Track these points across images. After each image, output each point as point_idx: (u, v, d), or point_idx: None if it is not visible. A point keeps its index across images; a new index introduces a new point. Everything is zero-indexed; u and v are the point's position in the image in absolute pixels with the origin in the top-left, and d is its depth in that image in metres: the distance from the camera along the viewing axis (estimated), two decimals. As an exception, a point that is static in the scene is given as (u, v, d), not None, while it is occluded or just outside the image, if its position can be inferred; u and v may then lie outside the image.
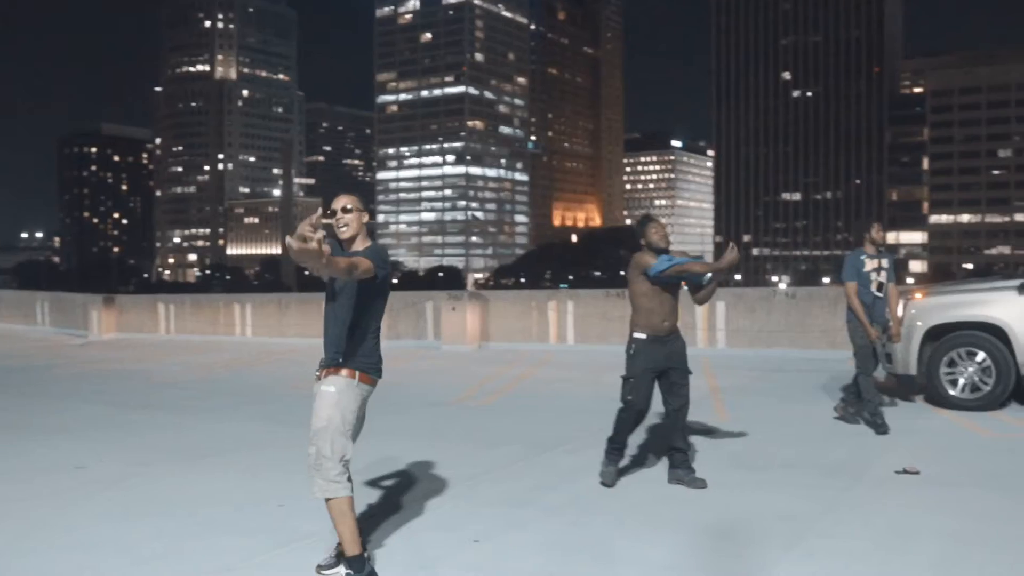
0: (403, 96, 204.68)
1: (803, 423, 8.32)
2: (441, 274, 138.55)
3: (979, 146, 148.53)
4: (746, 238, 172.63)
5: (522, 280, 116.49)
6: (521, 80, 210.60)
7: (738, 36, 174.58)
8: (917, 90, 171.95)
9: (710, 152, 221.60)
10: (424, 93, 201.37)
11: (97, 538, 5.11)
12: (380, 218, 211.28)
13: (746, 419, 8.59)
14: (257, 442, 7.86)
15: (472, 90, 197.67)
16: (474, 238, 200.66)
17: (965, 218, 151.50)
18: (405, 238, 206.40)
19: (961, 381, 8.68)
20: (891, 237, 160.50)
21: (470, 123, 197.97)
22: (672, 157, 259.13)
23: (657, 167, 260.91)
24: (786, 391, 10.37)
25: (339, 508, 4.16)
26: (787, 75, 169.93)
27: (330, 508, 4.19)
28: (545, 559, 4.58)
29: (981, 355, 8.59)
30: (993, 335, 8.57)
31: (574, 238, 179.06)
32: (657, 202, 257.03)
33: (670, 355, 6.03)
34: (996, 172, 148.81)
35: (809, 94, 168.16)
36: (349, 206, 4.29)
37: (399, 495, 5.94)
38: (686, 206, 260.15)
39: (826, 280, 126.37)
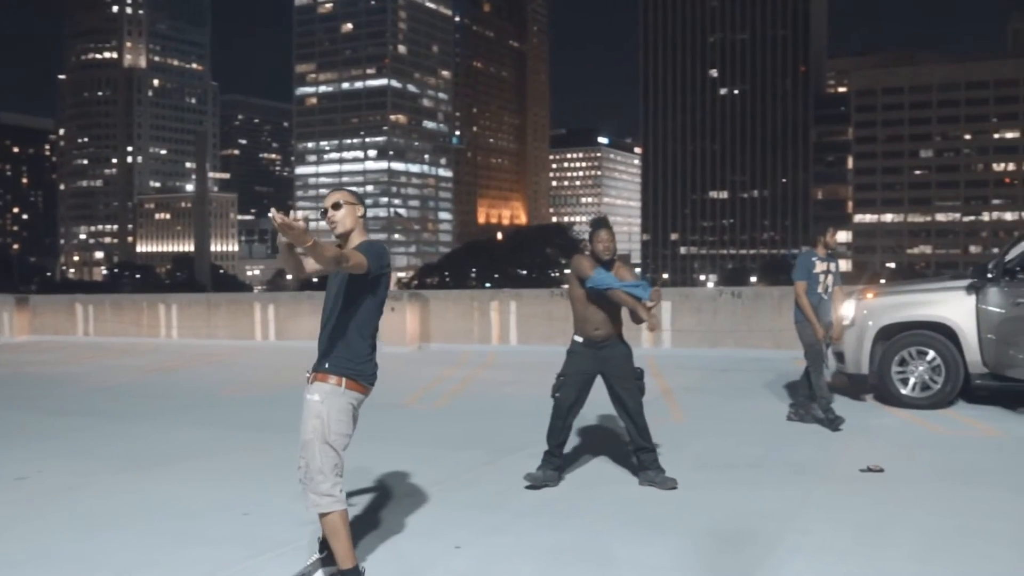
0: (323, 88, 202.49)
1: (760, 422, 8.54)
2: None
3: (902, 146, 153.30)
4: (673, 236, 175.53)
5: (447, 279, 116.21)
6: (445, 73, 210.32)
7: (666, 32, 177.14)
8: (841, 90, 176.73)
9: (637, 149, 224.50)
10: (345, 85, 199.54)
11: (56, 552, 4.99)
12: (299, 215, 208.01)
13: (702, 419, 8.79)
14: (206, 449, 7.75)
15: (395, 83, 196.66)
16: (397, 236, 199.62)
17: (888, 217, 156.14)
18: (325, 236, 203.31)
19: (912, 380, 9.00)
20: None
21: (392, 117, 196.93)
22: (599, 154, 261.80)
23: (584, 164, 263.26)
24: (737, 391, 10.62)
25: (331, 523, 4.09)
26: (714, 72, 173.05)
27: (323, 523, 4.13)
28: (536, 565, 4.64)
29: (931, 354, 8.92)
30: (943, 335, 8.91)
31: (499, 236, 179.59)
32: (583, 200, 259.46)
33: (606, 361, 6.10)
34: (918, 172, 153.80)
35: (736, 92, 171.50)
36: (340, 201, 4.18)
37: (371, 501, 5.93)
38: (613, 204, 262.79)
39: (753, 279, 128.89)
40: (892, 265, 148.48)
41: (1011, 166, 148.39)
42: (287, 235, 3.67)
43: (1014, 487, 6.06)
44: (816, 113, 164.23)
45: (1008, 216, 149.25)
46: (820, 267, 8.34)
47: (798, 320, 8.33)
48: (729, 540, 5.00)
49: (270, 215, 3.67)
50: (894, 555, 4.68)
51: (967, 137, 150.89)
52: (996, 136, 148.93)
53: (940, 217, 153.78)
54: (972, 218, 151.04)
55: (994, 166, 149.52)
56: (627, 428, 6.33)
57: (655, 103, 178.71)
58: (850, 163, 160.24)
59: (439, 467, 6.86)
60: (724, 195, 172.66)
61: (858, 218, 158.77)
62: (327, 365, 4.11)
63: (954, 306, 8.89)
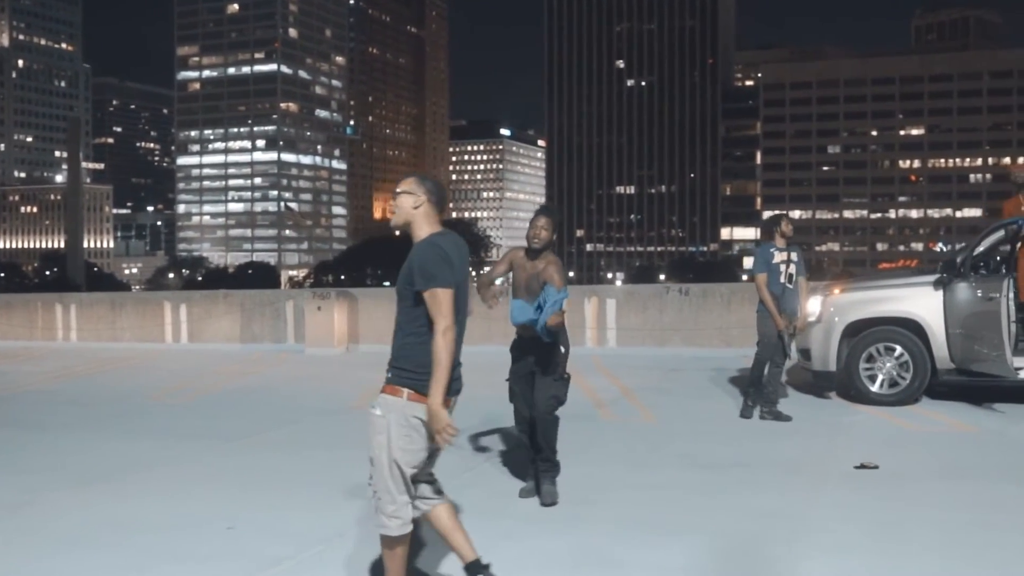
0: (207, 73, 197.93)
1: (732, 421, 8.72)
2: (251, 271, 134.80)
3: (809, 142, 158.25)
4: (579, 232, 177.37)
5: (342, 278, 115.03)
6: (339, 59, 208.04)
7: (572, 21, 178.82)
8: (749, 83, 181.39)
9: (541, 142, 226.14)
10: (231, 70, 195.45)
11: (29, 572, 4.78)
12: (181, 208, 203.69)
13: (673, 420, 8.93)
14: (153, 461, 7.50)
15: (285, 68, 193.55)
16: (288, 232, 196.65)
17: (796, 214, 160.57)
18: (210, 231, 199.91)
19: (880, 376, 9.31)
20: (724, 233, 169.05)
21: (283, 105, 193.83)
22: (501, 146, 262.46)
23: (485, 156, 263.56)
24: (698, 390, 10.80)
25: (386, 545, 3.98)
26: (621, 63, 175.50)
27: (381, 543, 4.03)
28: (551, 571, 4.65)
29: (899, 350, 9.24)
30: (910, 330, 9.24)
31: (398, 232, 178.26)
32: (485, 194, 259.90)
33: (533, 353, 5.96)
34: (826, 168, 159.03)
35: (643, 83, 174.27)
36: (399, 190, 4.02)
37: (339, 510, 5.83)
38: (516, 198, 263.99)
39: (662, 277, 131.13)
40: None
41: (916, 163, 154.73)
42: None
43: (1013, 480, 6.34)
44: (724, 107, 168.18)
45: (914, 214, 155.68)
46: (779, 257, 8.72)
47: (760, 311, 8.75)
48: (746, 541, 5.11)
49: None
50: (913, 550, 4.88)
51: (874, 133, 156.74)
52: (902, 133, 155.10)
53: (848, 214, 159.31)
54: (879, 215, 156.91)
55: (900, 163, 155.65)
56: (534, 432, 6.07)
57: (560, 94, 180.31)
58: (758, 158, 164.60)
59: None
60: (631, 190, 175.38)
61: (766, 214, 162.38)
62: (389, 376, 3.92)
63: (922, 301, 9.23)
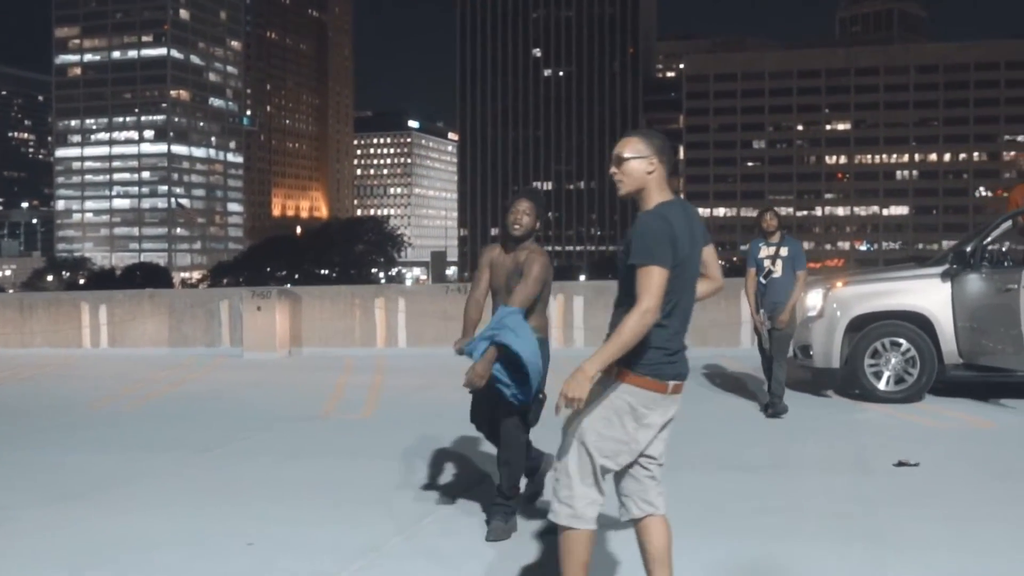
0: (89, 57, 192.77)
1: (741, 421, 8.81)
2: (139, 273, 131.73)
3: (734, 136, 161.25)
4: (494, 231, 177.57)
5: (241, 281, 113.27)
6: (235, 44, 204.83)
7: (485, 6, 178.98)
8: (671, 74, 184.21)
9: (452, 135, 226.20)
10: (116, 55, 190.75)
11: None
12: (60, 205, 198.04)
13: (676, 421, 8.92)
14: (132, 474, 7.20)
15: (176, 53, 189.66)
16: (179, 230, 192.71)
17: (721, 211, 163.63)
18: (92, 230, 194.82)
19: (886, 373, 9.46)
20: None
21: (173, 93, 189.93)
22: (409, 139, 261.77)
23: (392, 150, 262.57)
24: (689, 390, 10.81)
25: (564, 542, 3.72)
26: (538, 52, 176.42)
27: (559, 537, 3.76)
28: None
29: (905, 345, 9.41)
30: (917, 324, 9.42)
31: (299, 231, 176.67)
32: (392, 190, 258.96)
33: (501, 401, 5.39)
34: (751, 164, 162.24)
35: (561, 73, 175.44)
36: (626, 154, 3.69)
37: (363, 523, 5.68)
38: (425, 195, 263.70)
39: (582, 278, 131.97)
40: (722, 263, 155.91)
41: (843, 159, 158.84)
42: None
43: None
44: (646, 99, 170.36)
45: (840, 211, 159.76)
46: (765, 252, 9.15)
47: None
48: (825, 537, 5.12)
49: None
50: (990, 543, 5.03)
51: (799, 128, 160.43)
52: (828, 128, 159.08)
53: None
54: (805, 213, 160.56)
55: (826, 159, 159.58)
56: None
57: (472, 84, 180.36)
58: (681, 153, 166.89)
59: (421, 485, 6.69)
60: (548, 186, 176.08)
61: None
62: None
63: (929, 294, 9.42)
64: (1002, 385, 9.59)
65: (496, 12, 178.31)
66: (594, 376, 3.51)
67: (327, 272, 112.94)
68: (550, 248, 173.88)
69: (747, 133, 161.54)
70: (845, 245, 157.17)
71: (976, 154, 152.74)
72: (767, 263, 9.02)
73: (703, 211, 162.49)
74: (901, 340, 9.43)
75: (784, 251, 9.05)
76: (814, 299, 9.85)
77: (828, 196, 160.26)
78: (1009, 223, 9.37)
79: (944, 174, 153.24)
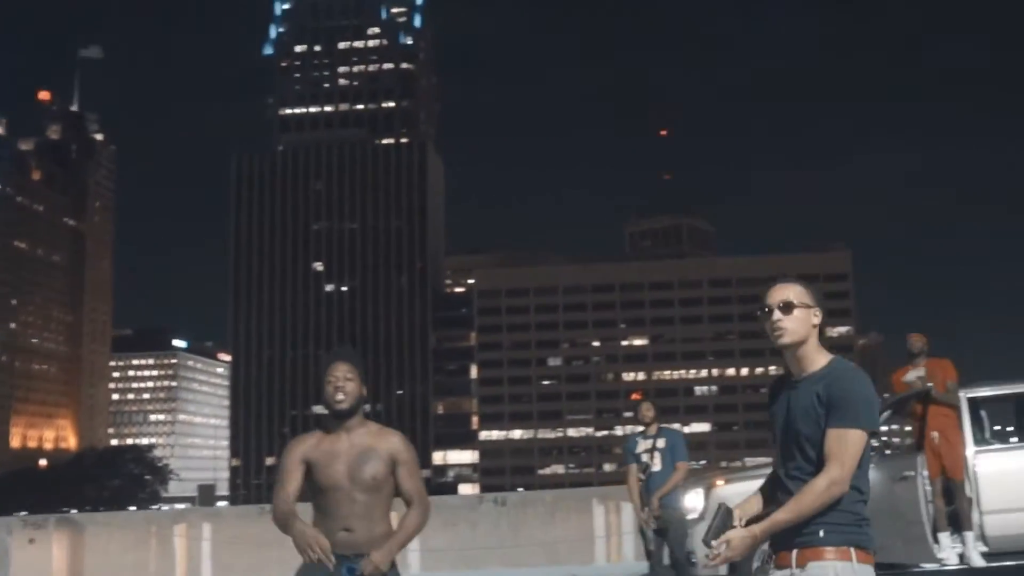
0: None
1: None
2: None
3: (528, 353, 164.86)
4: (270, 461, 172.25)
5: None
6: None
7: (262, 216, 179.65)
8: (461, 290, 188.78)
9: (223, 355, 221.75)
10: None
11: None
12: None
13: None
14: None
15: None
16: None
17: (517, 434, 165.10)
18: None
19: (776, 578, 9.35)
20: (437, 457, 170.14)
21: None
22: (174, 360, 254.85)
23: (155, 372, 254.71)
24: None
25: None
26: (319, 266, 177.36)
27: None
28: None
29: (795, 546, 9.36)
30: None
31: (43, 463, 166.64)
32: (153, 417, 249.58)
33: None
34: (546, 383, 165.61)
35: (344, 288, 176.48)
36: (792, 300, 3.67)
37: None
38: (191, 422, 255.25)
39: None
40: (521, 489, 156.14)
41: (641, 375, 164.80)
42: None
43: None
44: (435, 316, 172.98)
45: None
46: (643, 446, 9.27)
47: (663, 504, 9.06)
48: None
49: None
50: None
51: (596, 344, 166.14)
52: (624, 343, 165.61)
53: (572, 432, 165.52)
54: (605, 433, 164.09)
55: (624, 375, 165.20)
56: None
57: (247, 300, 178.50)
58: (474, 372, 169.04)
59: None
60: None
61: (484, 435, 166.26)
62: (822, 534, 3.49)
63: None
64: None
65: (274, 222, 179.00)
66: (761, 541, 3.39)
67: (78, 512, 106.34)
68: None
69: (542, 350, 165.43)
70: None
71: (772, 368, 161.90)
72: (645, 457, 9.10)
73: (498, 434, 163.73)
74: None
75: (661, 443, 9.14)
76: (693, 500, 9.75)
77: (628, 415, 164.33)
78: (888, 411, 9.66)
79: (743, 388, 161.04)
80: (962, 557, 8.97)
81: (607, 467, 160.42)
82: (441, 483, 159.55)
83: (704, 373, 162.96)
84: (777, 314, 3.68)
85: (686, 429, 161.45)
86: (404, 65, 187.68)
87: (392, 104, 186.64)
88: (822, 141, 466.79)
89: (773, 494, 3.69)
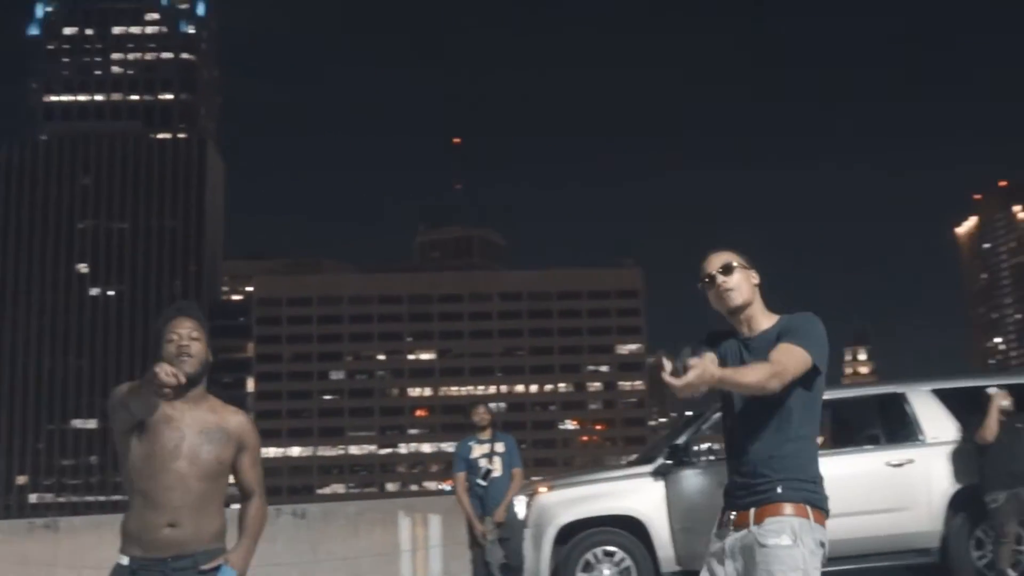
0: None
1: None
2: None
3: (310, 366, 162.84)
4: (21, 480, 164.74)
5: None
6: None
7: (21, 210, 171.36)
8: (239, 297, 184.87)
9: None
10: None
11: None
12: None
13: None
14: None
15: None
16: None
17: (295, 451, 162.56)
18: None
19: (600, 587, 9.40)
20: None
21: None
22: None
23: None
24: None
25: None
26: (84, 267, 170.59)
27: None
28: None
29: (619, 554, 9.42)
30: (630, 530, 9.48)
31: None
32: None
33: None
34: (328, 397, 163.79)
35: (112, 293, 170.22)
36: (732, 263, 3.82)
37: None
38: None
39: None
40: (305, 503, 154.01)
41: (427, 391, 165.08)
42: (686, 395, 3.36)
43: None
44: (211, 323, 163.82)
45: (426, 448, 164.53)
46: (479, 451, 9.06)
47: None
48: None
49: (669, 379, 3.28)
50: None
51: (381, 357, 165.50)
52: (411, 357, 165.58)
53: (354, 449, 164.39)
54: (389, 450, 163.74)
55: (410, 391, 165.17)
56: None
57: (1, 303, 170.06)
58: (250, 385, 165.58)
59: None
60: (92, 425, 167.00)
61: (261, 452, 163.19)
62: (780, 490, 3.62)
63: (641, 495, 9.55)
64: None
65: (35, 219, 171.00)
66: (715, 384, 3.37)
67: None
68: (92, 499, 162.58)
69: (324, 363, 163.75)
70: (432, 485, 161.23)
71: (562, 385, 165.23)
72: (483, 462, 8.93)
73: (277, 451, 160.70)
74: (614, 549, 9.44)
75: (500, 447, 9.05)
76: (517, 507, 9.69)
77: (412, 432, 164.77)
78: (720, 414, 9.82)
79: (532, 406, 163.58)
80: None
81: (390, 486, 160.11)
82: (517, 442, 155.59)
83: (492, 389, 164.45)
84: (721, 278, 3.83)
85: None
86: (184, 55, 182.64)
87: (170, 96, 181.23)
88: (616, 161, 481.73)
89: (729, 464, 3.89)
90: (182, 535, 3.91)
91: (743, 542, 3.68)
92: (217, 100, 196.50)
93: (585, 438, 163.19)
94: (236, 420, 4.17)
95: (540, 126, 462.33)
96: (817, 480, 3.72)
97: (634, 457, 11.11)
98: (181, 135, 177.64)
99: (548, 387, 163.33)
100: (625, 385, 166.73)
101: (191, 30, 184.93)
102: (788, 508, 3.62)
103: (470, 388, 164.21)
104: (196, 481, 3.94)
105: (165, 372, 3.46)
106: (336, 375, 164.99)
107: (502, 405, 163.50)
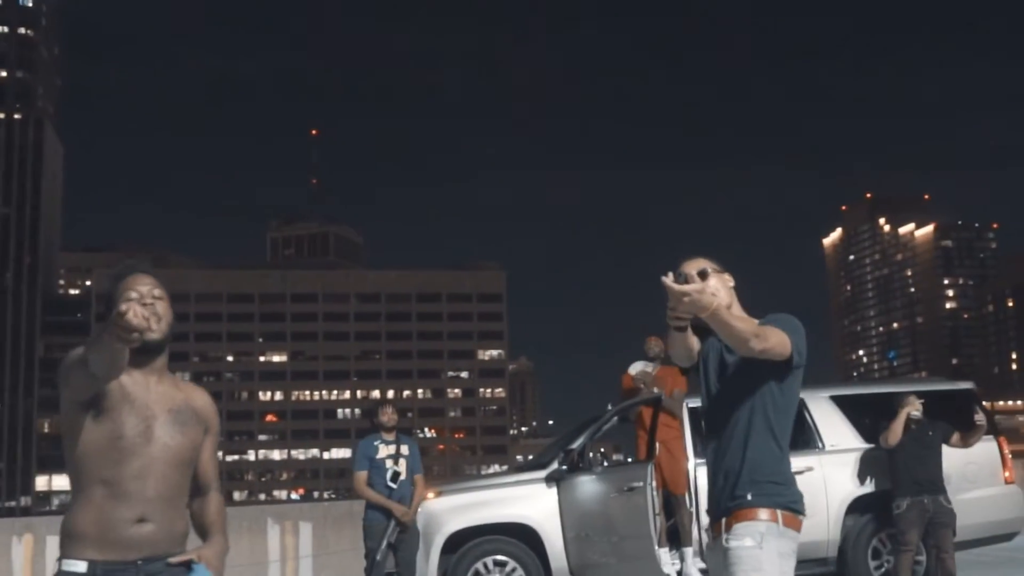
0: None
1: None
2: None
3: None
4: None
5: None
6: None
7: None
8: (76, 292, 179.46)
9: None
10: None
11: None
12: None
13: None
14: None
15: None
16: None
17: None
18: None
19: (490, 597, 9.37)
20: (41, 482, 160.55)
21: None
22: None
23: None
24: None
25: None
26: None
27: None
28: None
29: (511, 564, 9.40)
30: (521, 538, 9.48)
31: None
32: None
33: None
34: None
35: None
36: (706, 269, 3.95)
37: None
38: None
39: None
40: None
41: (279, 395, 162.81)
42: (681, 308, 3.55)
43: None
44: (46, 319, 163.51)
45: (276, 455, 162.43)
46: (385, 451, 8.83)
47: (366, 520, 8.81)
48: None
49: (668, 284, 3.52)
50: None
51: (230, 359, 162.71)
52: (262, 359, 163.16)
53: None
54: (236, 457, 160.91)
55: (260, 395, 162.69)
56: None
57: None
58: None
59: None
60: None
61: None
62: (751, 496, 3.78)
63: (533, 502, 9.56)
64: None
65: None
66: (710, 311, 3.53)
67: None
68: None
69: (168, 364, 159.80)
70: (282, 493, 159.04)
71: (420, 391, 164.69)
72: (390, 463, 8.76)
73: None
74: (505, 558, 9.42)
75: (405, 449, 8.93)
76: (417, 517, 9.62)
77: (262, 438, 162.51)
78: (615, 418, 9.91)
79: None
80: (680, 574, 9.32)
81: (236, 495, 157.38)
82: (46, 511, 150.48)
83: (347, 394, 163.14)
84: (699, 283, 3.87)
85: (326, 455, 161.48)
86: (22, 30, 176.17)
87: (4, 73, 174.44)
88: (479, 160, 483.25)
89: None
90: (153, 532, 3.35)
91: (719, 549, 3.91)
92: (56, 80, 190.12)
93: (443, 447, 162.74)
94: (202, 399, 3.70)
95: (402, 122, 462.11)
96: (789, 482, 3.89)
97: (525, 461, 11.07)
98: (16, 115, 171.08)
99: (406, 393, 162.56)
100: (486, 392, 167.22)
101: (29, 3, 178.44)
102: (756, 513, 3.80)
103: (323, 393, 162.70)
104: (170, 468, 3.41)
105: (135, 312, 2.88)
106: (181, 376, 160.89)
107: (357, 411, 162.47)
